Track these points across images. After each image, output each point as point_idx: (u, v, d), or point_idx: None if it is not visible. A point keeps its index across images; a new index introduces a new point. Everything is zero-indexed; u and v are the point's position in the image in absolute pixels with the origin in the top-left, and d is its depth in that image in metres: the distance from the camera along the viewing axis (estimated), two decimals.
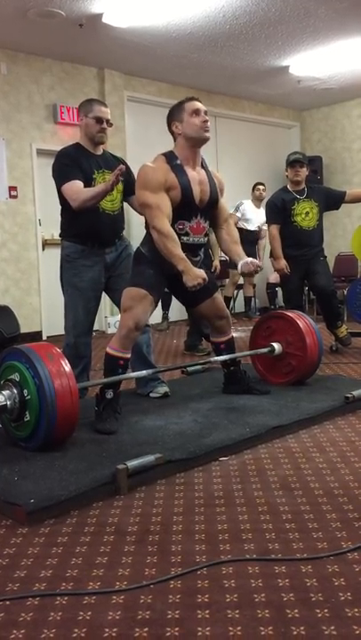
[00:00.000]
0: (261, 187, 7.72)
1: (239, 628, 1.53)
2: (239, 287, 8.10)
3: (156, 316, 5.40)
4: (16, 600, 1.68)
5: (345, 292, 5.89)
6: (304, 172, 5.05)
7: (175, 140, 3.18)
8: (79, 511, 2.26)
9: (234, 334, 3.67)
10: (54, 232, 6.15)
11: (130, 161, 3.95)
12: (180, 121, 3.11)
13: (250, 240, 7.37)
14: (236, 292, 8.03)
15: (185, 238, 3.15)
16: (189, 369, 4.32)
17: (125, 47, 6.46)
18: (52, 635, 1.53)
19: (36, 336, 6.65)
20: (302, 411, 3.25)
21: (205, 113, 3.13)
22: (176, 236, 3.04)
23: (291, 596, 1.66)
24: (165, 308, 7.27)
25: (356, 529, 2.04)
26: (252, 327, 4.09)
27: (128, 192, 3.57)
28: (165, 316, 7.39)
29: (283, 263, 5.01)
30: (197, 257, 3.27)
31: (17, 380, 2.71)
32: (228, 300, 7.26)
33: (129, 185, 3.50)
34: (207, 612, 1.60)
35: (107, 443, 2.81)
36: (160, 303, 3.97)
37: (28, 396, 2.65)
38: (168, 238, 3.00)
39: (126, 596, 1.69)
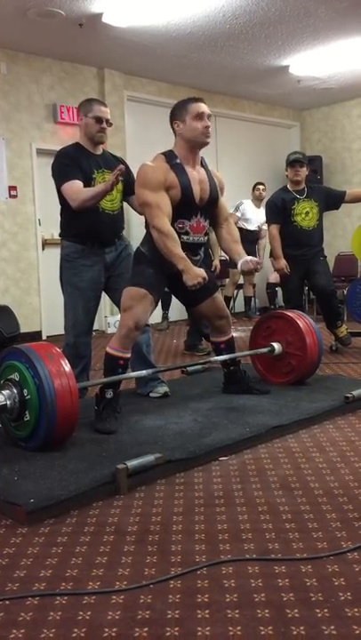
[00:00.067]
0: (261, 186, 7.73)
1: (239, 627, 1.53)
2: (239, 287, 8.10)
3: (155, 316, 5.40)
4: (16, 600, 1.68)
5: (345, 292, 5.89)
6: (304, 171, 5.04)
7: (175, 136, 3.18)
8: (79, 511, 2.25)
9: (234, 334, 3.67)
10: (54, 232, 6.15)
11: (130, 161, 3.94)
12: (183, 121, 3.09)
13: (250, 240, 7.37)
14: (236, 291, 8.03)
15: (185, 237, 3.14)
16: (189, 369, 4.32)
17: (125, 47, 6.46)
18: (51, 634, 1.53)
19: (36, 336, 6.65)
20: (302, 410, 3.25)
21: (209, 117, 3.11)
22: (176, 235, 3.04)
23: (291, 595, 1.66)
24: (165, 307, 7.27)
25: (356, 529, 2.04)
26: (252, 327, 4.09)
27: (128, 192, 3.57)
28: (165, 316, 7.39)
29: (283, 263, 5.01)
30: (197, 256, 3.27)
31: (17, 379, 2.71)
32: (228, 299, 7.26)
33: (129, 185, 3.50)
34: (207, 611, 1.60)
35: (106, 442, 2.81)
36: (160, 303, 3.97)
37: (28, 396, 2.65)
38: (168, 237, 3.00)
39: (126, 595, 1.69)
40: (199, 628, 1.53)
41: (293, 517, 2.14)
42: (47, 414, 2.61)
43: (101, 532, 2.08)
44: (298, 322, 3.72)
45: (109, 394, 3.11)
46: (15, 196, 6.61)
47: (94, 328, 3.92)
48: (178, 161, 3.11)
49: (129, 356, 3.19)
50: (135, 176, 3.19)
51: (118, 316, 3.33)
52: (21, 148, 6.67)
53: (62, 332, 3.70)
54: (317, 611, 1.58)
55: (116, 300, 3.59)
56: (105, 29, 5.91)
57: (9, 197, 6.57)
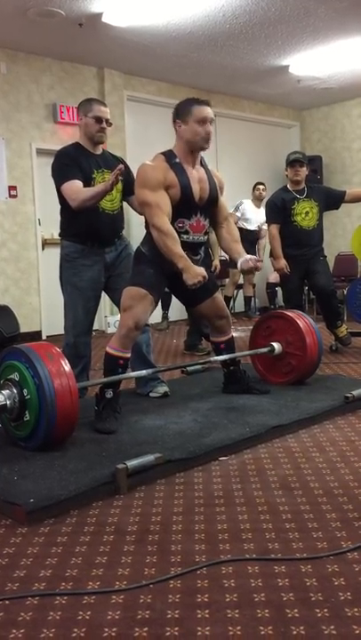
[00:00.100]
0: (261, 186, 7.73)
1: (239, 627, 1.53)
2: (239, 287, 8.10)
3: (155, 316, 5.40)
4: (15, 600, 1.68)
5: (345, 292, 5.89)
6: (304, 171, 5.04)
7: (176, 135, 3.17)
8: (79, 511, 2.25)
9: (234, 334, 3.67)
10: (54, 232, 6.15)
11: (129, 160, 3.95)
12: (185, 122, 3.07)
13: (250, 240, 7.37)
14: (236, 291, 8.03)
15: (185, 236, 3.14)
16: (189, 369, 4.32)
17: (125, 46, 6.46)
18: (51, 634, 1.53)
19: (36, 336, 6.66)
20: (302, 410, 3.25)
21: (211, 122, 3.10)
22: (176, 235, 3.04)
23: (290, 595, 1.66)
24: (165, 307, 7.27)
25: (356, 529, 2.04)
26: (251, 327, 4.09)
27: (127, 192, 3.56)
28: (165, 316, 7.39)
29: (283, 263, 5.01)
30: (198, 255, 3.27)
31: (16, 379, 2.71)
32: (228, 299, 7.26)
33: (128, 185, 3.50)
34: (207, 611, 1.60)
35: (106, 442, 2.81)
36: (160, 303, 3.97)
37: (28, 396, 2.65)
38: (168, 236, 3.00)
39: (126, 595, 1.69)
40: (199, 628, 1.53)
41: (293, 517, 2.14)
42: (47, 414, 2.61)
43: (101, 532, 2.08)
44: (298, 322, 3.72)
45: (109, 394, 3.11)
46: (15, 196, 6.61)
47: (94, 328, 3.92)
48: (177, 160, 3.11)
49: (129, 355, 3.19)
50: (135, 176, 3.19)
51: (118, 316, 3.33)
52: (21, 148, 6.67)
53: (62, 331, 3.70)
54: (317, 610, 1.58)
55: (115, 300, 3.59)
56: (105, 29, 5.91)
57: (9, 197, 6.57)
